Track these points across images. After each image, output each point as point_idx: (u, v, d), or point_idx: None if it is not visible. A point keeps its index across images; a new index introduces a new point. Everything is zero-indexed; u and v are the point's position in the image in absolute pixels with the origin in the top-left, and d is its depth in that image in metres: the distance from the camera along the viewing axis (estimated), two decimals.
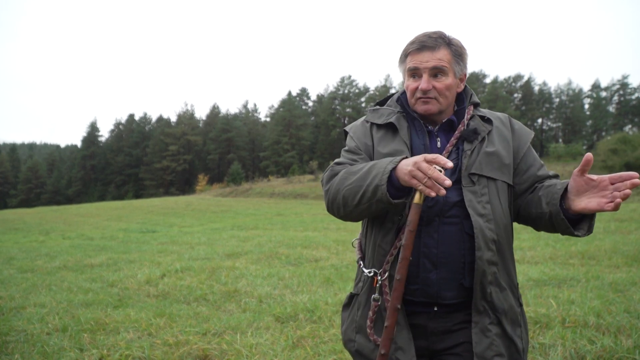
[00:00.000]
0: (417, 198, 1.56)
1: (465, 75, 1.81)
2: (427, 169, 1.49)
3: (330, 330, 4.58)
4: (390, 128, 1.82)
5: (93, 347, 4.28)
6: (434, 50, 1.70)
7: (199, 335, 4.55)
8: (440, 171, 1.49)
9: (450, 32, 1.77)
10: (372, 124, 1.87)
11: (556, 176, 1.80)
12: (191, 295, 6.36)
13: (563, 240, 10.43)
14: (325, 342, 4.29)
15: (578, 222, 1.60)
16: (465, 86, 1.85)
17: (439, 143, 1.76)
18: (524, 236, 11.54)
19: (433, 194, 1.49)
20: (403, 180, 1.56)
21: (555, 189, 1.64)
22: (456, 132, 1.74)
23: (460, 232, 1.66)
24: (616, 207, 1.45)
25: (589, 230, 1.57)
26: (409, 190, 1.61)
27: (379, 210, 1.67)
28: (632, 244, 9.15)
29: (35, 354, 4.18)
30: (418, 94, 1.73)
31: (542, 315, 4.52)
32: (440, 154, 1.70)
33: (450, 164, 1.49)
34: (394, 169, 1.59)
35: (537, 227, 1.76)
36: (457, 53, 1.75)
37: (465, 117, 1.77)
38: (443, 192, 1.48)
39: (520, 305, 1.74)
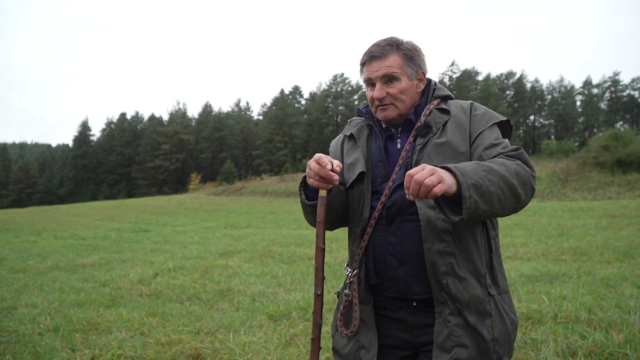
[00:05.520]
0: (321, 192, 1.73)
1: (424, 73, 1.84)
2: (315, 167, 1.66)
3: (323, 328, 4.58)
4: (354, 139, 1.94)
5: (85, 347, 4.26)
6: (381, 58, 1.76)
7: (191, 334, 4.54)
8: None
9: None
10: (344, 136, 2.01)
11: (515, 150, 1.67)
12: (184, 294, 6.34)
13: (555, 237, 10.49)
14: None
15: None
16: (430, 82, 1.89)
17: (399, 144, 1.81)
18: (516, 232, 11.61)
19: (323, 187, 1.68)
20: (308, 182, 1.73)
21: None
22: (413, 130, 1.78)
23: (421, 228, 1.68)
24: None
25: (460, 213, 1.50)
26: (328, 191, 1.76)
27: (314, 214, 1.80)
28: (624, 240, 9.22)
29: (27, 354, 4.15)
30: (376, 102, 1.80)
31: (534, 311, 4.54)
32: (400, 154, 1.78)
33: (323, 161, 1.64)
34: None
35: None
36: (408, 56, 1.79)
37: (424, 113, 1.80)
38: (330, 186, 1.68)
39: (491, 295, 1.69)
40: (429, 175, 1.43)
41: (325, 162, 1.64)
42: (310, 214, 1.84)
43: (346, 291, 1.81)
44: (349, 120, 2.03)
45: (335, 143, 2.05)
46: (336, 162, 1.66)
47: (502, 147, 1.70)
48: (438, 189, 1.43)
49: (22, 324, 5.00)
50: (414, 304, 1.72)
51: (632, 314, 4.32)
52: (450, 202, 1.54)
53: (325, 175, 1.65)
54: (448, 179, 1.45)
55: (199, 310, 5.50)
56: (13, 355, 4.12)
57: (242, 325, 4.81)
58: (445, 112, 1.79)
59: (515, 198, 1.57)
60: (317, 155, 1.67)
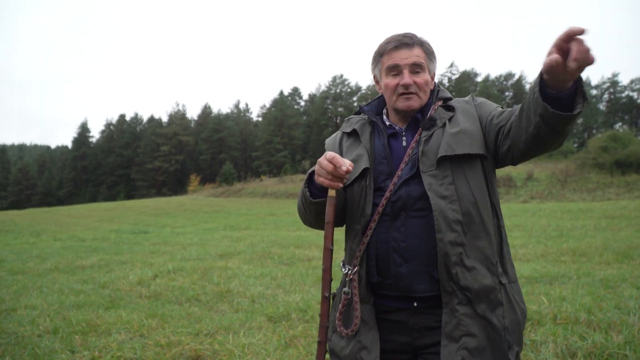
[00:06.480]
0: (330, 192, 1.71)
1: (434, 74, 1.88)
2: (326, 165, 1.64)
3: None
4: (355, 135, 1.93)
5: (84, 348, 4.26)
6: (411, 47, 1.78)
7: (191, 335, 4.54)
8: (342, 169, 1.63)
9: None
10: (343, 133, 1.99)
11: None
12: (183, 296, 6.34)
13: (554, 238, 10.49)
14: (317, 341, 4.28)
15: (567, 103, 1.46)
16: (434, 83, 1.91)
17: (404, 142, 1.82)
18: (515, 234, 11.60)
19: (334, 186, 1.67)
20: (317, 180, 1.71)
21: (528, 97, 1.52)
22: (419, 128, 1.80)
23: (427, 224, 1.68)
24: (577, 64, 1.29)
25: (580, 102, 1.44)
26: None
27: (317, 213, 1.80)
28: (623, 241, 9.22)
29: (27, 356, 4.15)
30: (400, 90, 1.78)
31: (533, 312, 4.55)
32: (406, 151, 1.78)
33: (338, 161, 1.62)
34: (314, 171, 1.75)
35: (540, 142, 1.55)
36: (429, 51, 1.83)
37: (430, 112, 1.82)
38: (341, 185, 1.68)
39: (502, 283, 1.69)
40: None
41: (340, 163, 1.62)
42: (312, 212, 1.82)
43: (345, 289, 1.79)
44: (346, 119, 2.02)
45: (332, 141, 2.02)
46: (348, 162, 1.64)
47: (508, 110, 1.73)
48: (592, 59, 1.29)
49: (22, 326, 5.00)
50: (415, 304, 1.71)
51: (631, 315, 4.32)
52: (553, 97, 1.43)
53: (339, 175, 1.65)
54: None
55: (199, 312, 5.50)
56: (12, 357, 4.12)
57: (241, 326, 4.81)
58: (450, 108, 1.82)
59: None
60: (330, 154, 1.65)
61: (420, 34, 1.84)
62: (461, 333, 1.63)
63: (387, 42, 1.81)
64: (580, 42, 1.28)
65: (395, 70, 1.79)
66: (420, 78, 1.78)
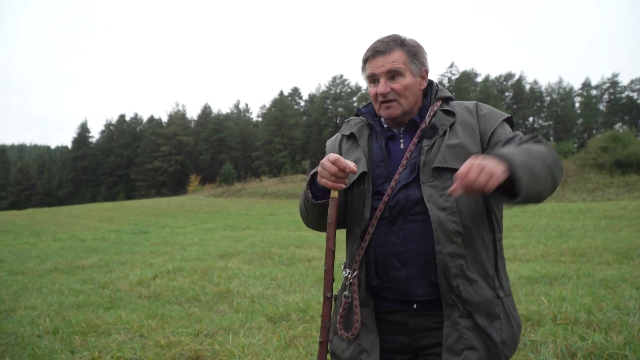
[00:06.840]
0: (332, 193, 1.72)
1: (427, 71, 1.83)
2: (329, 167, 1.64)
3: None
4: (354, 138, 1.92)
5: (84, 349, 4.26)
6: (385, 54, 1.75)
7: (191, 336, 4.54)
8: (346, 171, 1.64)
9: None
10: (342, 135, 1.98)
11: (535, 137, 1.68)
12: (183, 296, 6.34)
13: (554, 238, 10.49)
14: (317, 341, 4.28)
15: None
16: (431, 82, 1.88)
17: (402, 144, 1.80)
18: (515, 234, 11.60)
19: (337, 187, 1.67)
20: (319, 181, 1.70)
21: None
22: (418, 130, 1.77)
23: (426, 229, 1.67)
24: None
25: (518, 195, 1.44)
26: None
27: (320, 215, 1.80)
28: (623, 241, 9.22)
29: (26, 356, 4.15)
30: (379, 99, 1.78)
31: (533, 312, 4.54)
32: (404, 154, 1.76)
33: (342, 163, 1.62)
34: (316, 173, 1.75)
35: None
36: (412, 52, 1.78)
37: (428, 114, 1.79)
38: (343, 187, 1.68)
39: (499, 297, 1.70)
40: (478, 174, 1.38)
41: (344, 165, 1.62)
42: (314, 214, 1.82)
43: (345, 293, 1.78)
44: (346, 120, 2.01)
45: (332, 143, 2.02)
46: (352, 163, 1.65)
47: (519, 138, 1.70)
48: (491, 185, 1.38)
49: (21, 326, 5.00)
50: (414, 306, 1.71)
51: (631, 315, 4.32)
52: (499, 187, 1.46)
53: (343, 177, 1.65)
54: (498, 169, 1.39)
55: (199, 312, 5.50)
56: (12, 358, 4.13)
57: (241, 327, 4.81)
58: (451, 114, 1.78)
59: (551, 177, 1.56)
60: (334, 156, 1.64)
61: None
62: (463, 347, 1.62)
63: (367, 49, 1.80)
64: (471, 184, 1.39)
65: (373, 78, 1.78)
66: (398, 84, 1.74)
